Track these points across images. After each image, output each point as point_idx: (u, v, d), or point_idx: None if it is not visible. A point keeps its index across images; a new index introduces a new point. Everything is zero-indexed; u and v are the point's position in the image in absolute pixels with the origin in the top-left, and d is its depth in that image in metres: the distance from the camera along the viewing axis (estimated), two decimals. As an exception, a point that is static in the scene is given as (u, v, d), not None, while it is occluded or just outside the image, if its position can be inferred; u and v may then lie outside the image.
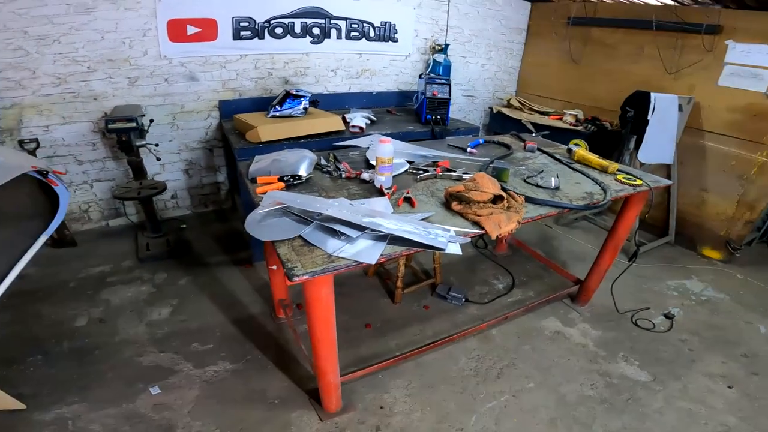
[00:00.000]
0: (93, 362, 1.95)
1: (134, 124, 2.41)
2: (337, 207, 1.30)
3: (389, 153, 1.56)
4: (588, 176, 1.98)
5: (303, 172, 1.65)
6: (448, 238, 1.26)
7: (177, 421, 1.70)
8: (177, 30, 2.80)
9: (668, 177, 3.23)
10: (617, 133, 3.47)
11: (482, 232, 1.36)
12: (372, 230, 1.23)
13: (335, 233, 1.23)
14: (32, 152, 2.73)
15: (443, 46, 3.73)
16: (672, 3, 3.08)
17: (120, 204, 3.15)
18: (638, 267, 2.87)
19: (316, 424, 1.72)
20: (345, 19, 3.34)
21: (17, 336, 2.10)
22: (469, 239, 1.29)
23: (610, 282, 2.45)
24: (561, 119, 3.67)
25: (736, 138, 2.96)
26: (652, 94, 2.82)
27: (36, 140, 2.72)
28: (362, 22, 3.42)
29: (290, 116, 2.72)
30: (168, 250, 2.85)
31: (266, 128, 2.47)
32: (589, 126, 3.41)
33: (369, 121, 3.05)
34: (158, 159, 2.74)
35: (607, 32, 3.61)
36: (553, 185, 1.81)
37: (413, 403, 1.85)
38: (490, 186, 1.47)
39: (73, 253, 2.88)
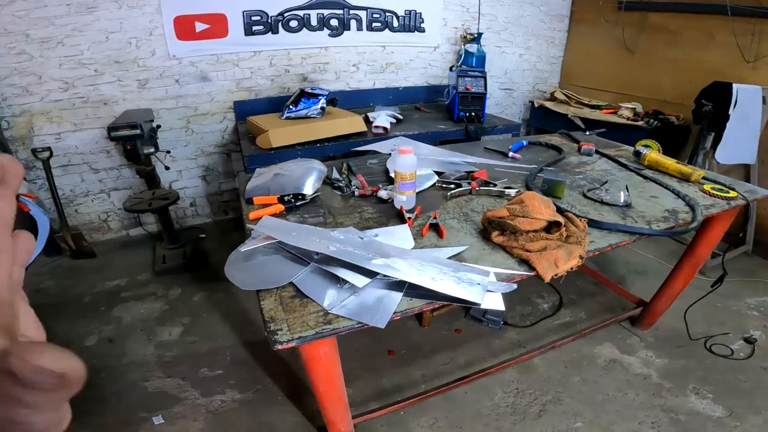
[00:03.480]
0: (98, 386, 1.84)
1: (138, 131, 2.22)
2: (341, 242, 1.00)
3: (411, 167, 1.25)
4: (666, 187, 1.58)
5: (308, 189, 1.36)
6: (486, 285, 0.93)
7: (178, 456, 1.51)
8: (184, 27, 2.60)
9: (747, 178, 2.76)
10: (685, 128, 2.99)
11: (532, 273, 1.03)
12: (385, 276, 0.93)
13: (337, 279, 0.94)
14: (46, 161, 2.64)
15: (476, 35, 3.34)
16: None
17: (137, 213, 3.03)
18: (712, 281, 2.50)
19: (326, 469, 1.48)
20: (365, 8, 3.03)
21: (27, 355, 2.05)
22: (514, 286, 0.96)
23: (680, 301, 2.06)
24: (616, 113, 3.20)
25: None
26: (734, 86, 2.35)
27: (49, 149, 2.62)
28: (384, 11, 3.09)
29: (306, 117, 2.46)
30: (184, 262, 2.69)
31: (278, 132, 2.21)
32: (652, 121, 2.93)
33: (394, 120, 2.74)
34: (167, 168, 2.57)
35: (669, 17, 3.12)
36: (622, 201, 1.43)
37: (438, 446, 1.57)
38: (542, 209, 1.12)
39: (92, 265, 2.79)
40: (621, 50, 3.47)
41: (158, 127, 2.57)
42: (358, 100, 3.22)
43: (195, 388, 1.84)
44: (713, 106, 2.40)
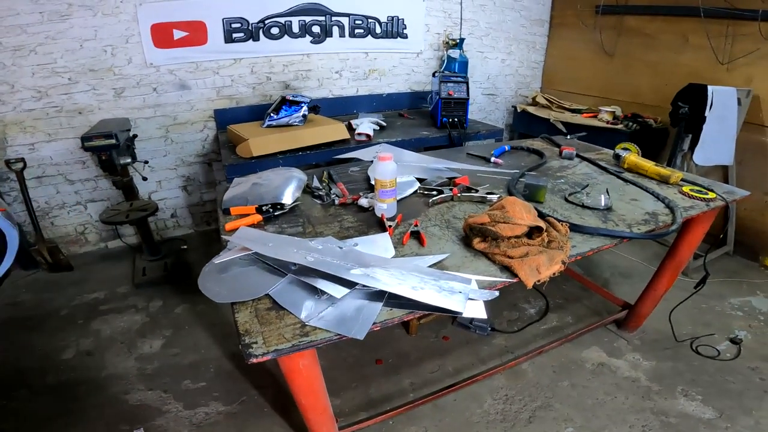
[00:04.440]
0: (77, 399, 1.81)
1: (113, 141, 2.16)
2: (319, 252, 0.98)
3: (391, 174, 1.23)
4: (646, 189, 1.59)
5: (287, 199, 1.33)
6: (468, 293, 0.92)
7: (161, 470, 1.46)
8: (162, 35, 2.55)
9: (725, 179, 2.82)
10: (663, 131, 3.05)
11: (514, 280, 1.02)
12: (364, 286, 0.90)
13: (315, 289, 0.91)
14: (20, 173, 2.55)
15: (458, 40, 3.37)
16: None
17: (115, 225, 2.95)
18: (695, 282, 2.55)
19: (314, 480, 1.44)
20: (347, 15, 3.02)
21: (3, 368, 1.97)
22: (496, 293, 0.95)
23: (665, 303, 2.08)
24: (596, 117, 3.24)
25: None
26: (709, 87, 2.41)
27: (23, 160, 2.52)
28: (367, 17, 3.10)
29: (288, 125, 2.43)
30: (165, 274, 2.62)
31: (259, 140, 2.18)
32: (631, 124, 2.98)
33: (378, 127, 2.73)
34: (144, 179, 2.50)
35: (645, 21, 3.20)
36: (603, 204, 1.44)
37: (428, 456, 1.54)
38: (523, 215, 1.12)
39: (70, 278, 2.69)
40: (600, 54, 3.54)
41: (135, 136, 2.50)
42: (342, 108, 3.21)
43: (178, 401, 1.80)
44: (689, 108, 2.44)
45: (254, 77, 2.95)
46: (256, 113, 2.85)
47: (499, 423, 1.69)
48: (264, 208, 1.30)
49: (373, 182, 1.44)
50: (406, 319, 0.89)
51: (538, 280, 1.02)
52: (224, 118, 2.89)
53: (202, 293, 2.24)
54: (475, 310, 0.88)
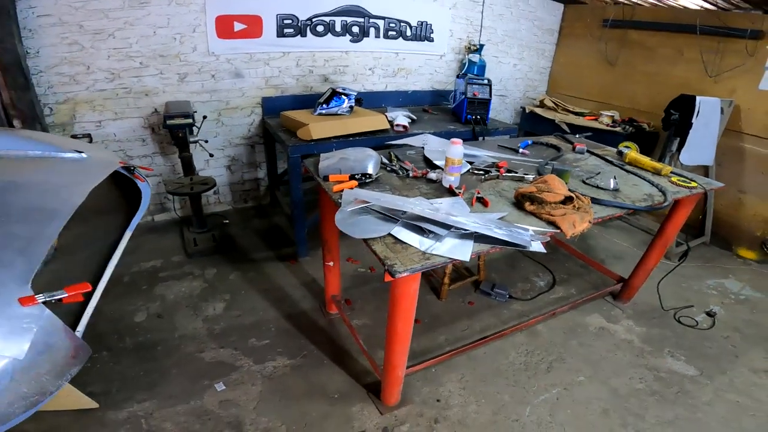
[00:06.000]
0: (157, 358, 2.01)
1: (191, 121, 2.47)
2: (419, 206, 1.35)
3: (460, 154, 1.61)
4: (643, 178, 2.01)
5: (371, 170, 1.69)
6: (530, 237, 1.30)
7: (244, 417, 1.73)
8: (224, 26, 2.86)
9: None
10: (654, 134, 3.50)
11: (558, 231, 1.41)
12: (457, 229, 1.28)
13: (422, 231, 1.28)
14: (83, 146, 2.81)
15: (478, 46, 3.75)
16: (713, 8, 3.09)
17: (166, 199, 3.22)
18: (678, 265, 2.95)
19: (376, 418, 1.77)
20: (383, 18, 3.37)
21: (81, 332, 2.17)
22: (549, 238, 1.34)
23: (652, 282, 2.50)
24: (597, 120, 3.67)
25: (776, 141, 2.96)
26: (697, 98, 2.84)
27: (89, 135, 2.79)
28: (400, 21, 3.45)
29: (336, 114, 2.77)
30: (214, 245, 2.89)
31: (317, 126, 2.52)
32: (627, 127, 3.42)
33: (410, 120, 3.09)
34: (211, 155, 2.80)
35: (647, 35, 3.61)
36: (612, 187, 1.84)
37: (468, 395, 1.91)
38: (560, 187, 1.51)
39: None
40: (603, 63, 3.96)
41: (204, 117, 2.80)
42: (372, 101, 3.53)
43: (248, 357, 2.03)
44: (680, 115, 2.88)
45: (299, 69, 3.27)
46: (299, 102, 3.19)
47: (524, 371, 2.05)
48: (356, 176, 1.66)
49: (436, 162, 1.82)
50: (491, 252, 1.27)
51: (574, 233, 1.41)
52: (270, 105, 3.21)
53: (251, 262, 2.53)
54: (537, 246, 1.27)
